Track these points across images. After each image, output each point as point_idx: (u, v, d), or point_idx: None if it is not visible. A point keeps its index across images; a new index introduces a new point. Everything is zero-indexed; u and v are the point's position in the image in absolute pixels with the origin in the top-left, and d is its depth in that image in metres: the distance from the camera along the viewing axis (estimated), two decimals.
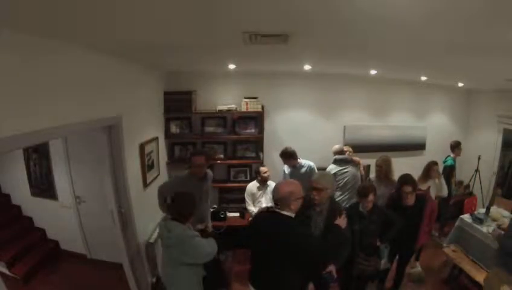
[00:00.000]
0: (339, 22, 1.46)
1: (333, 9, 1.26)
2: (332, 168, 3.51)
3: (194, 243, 2.01)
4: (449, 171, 4.14)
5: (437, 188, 3.62)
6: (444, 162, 4.28)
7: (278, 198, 1.91)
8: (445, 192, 3.72)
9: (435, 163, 3.66)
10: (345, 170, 3.47)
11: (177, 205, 2.08)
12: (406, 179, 2.71)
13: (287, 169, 3.66)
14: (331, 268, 2.19)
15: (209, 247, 2.09)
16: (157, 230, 3.26)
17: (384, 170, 3.28)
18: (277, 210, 1.92)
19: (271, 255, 1.89)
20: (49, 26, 1.40)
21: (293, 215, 1.91)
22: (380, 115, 4.82)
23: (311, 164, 3.57)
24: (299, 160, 3.55)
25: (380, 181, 3.28)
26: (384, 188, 3.13)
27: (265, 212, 2.14)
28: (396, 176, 3.37)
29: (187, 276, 2.08)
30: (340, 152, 3.66)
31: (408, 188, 2.65)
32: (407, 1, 1.14)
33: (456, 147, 4.27)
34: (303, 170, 3.51)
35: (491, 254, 2.97)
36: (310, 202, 2.18)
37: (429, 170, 3.61)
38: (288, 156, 3.48)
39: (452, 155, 4.26)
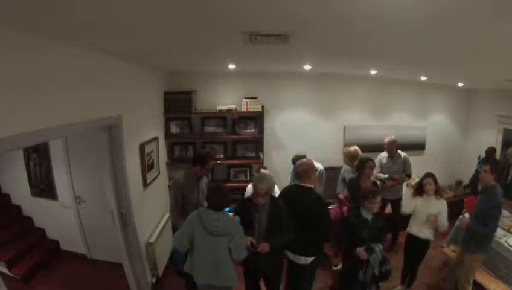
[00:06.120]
0: (338, 22, 1.46)
1: (333, 10, 1.26)
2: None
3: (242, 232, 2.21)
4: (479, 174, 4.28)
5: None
6: (478, 164, 4.48)
7: (301, 171, 2.45)
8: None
9: (428, 175, 2.90)
10: None
11: (219, 195, 2.23)
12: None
13: None
14: None
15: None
16: (158, 228, 3.29)
17: None
18: (301, 184, 2.44)
19: (298, 220, 2.32)
20: (50, 26, 1.40)
21: (312, 186, 2.46)
22: (380, 115, 4.83)
23: (321, 167, 3.53)
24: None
25: None
26: None
27: (291, 187, 2.62)
28: None
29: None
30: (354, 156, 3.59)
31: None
32: (406, 2, 1.14)
33: (491, 154, 4.36)
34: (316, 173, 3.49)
35: (491, 254, 2.99)
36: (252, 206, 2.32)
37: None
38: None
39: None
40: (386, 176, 3.79)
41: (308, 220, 2.36)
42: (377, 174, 3.87)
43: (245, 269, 2.56)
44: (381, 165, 3.97)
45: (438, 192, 2.81)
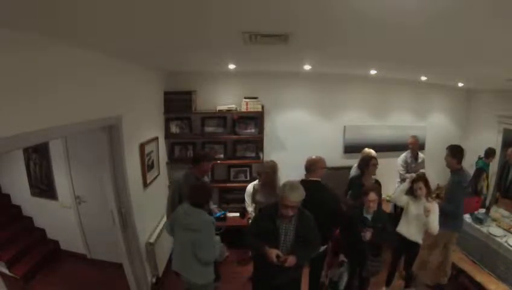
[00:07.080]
0: (338, 23, 1.46)
1: (333, 10, 1.26)
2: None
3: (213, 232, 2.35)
4: (479, 174, 4.27)
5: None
6: (476, 163, 4.45)
7: (308, 165, 2.62)
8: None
9: (419, 179, 2.86)
10: None
11: (197, 193, 2.36)
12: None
13: None
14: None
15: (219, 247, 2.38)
16: (158, 228, 3.29)
17: (270, 176, 2.95)
18: (309, 178, 2.57)
19: (312, 213, 2.23)
20: (50, 26, 1.40)
21: (319, 179, 2.60)
22: (380, 115, 4.82)
23: None
24: None
25: (264, 188, 3.02)
26: (268, 196, 2.90)
27: (301, 182, 2.48)
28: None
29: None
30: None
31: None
32: (406, 4, 1.14)
33: (490, 154, 4.37)
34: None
35: (491, 254, 3.00)
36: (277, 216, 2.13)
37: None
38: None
39: (485, 160, 4.38)
40: (413, 174, 3.77)
41: (322, 210, 2.32)
42: (405, 174, 3.95)
43: (256, 281, 2.46)
44: (407, 165, 4.06)
45: (429, 194, 2.80)
